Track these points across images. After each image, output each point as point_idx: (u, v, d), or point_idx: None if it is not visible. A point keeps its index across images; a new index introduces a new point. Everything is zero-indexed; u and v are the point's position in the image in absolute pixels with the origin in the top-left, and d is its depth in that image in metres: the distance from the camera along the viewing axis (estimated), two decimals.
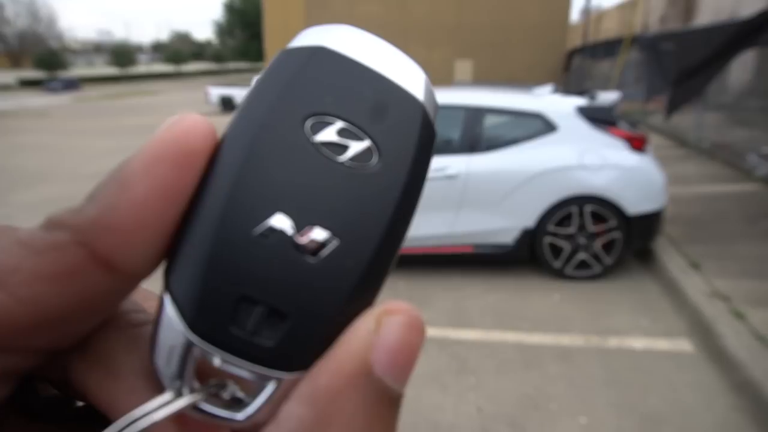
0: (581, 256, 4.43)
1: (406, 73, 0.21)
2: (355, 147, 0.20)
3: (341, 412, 0.17)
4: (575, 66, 22.35)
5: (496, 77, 23.96)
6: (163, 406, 0.18)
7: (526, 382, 3.13)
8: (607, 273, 4.47)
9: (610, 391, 3.00)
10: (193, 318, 0.18)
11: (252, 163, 0.19)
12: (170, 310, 0.19)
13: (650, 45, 8.52)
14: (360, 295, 0.20)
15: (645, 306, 4.02)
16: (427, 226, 4.50)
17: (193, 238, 0.19)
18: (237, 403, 0.19)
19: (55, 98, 34.16)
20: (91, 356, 0.20)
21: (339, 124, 0.20)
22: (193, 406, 0.19)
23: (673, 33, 8.49)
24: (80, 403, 0.23)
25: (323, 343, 0.19)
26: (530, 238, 4.46)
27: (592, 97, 4.84)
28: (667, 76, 7.32)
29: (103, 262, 0.18)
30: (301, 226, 0.19)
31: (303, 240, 0.19)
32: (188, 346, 0.18)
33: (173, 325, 0.18)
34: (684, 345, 3.46)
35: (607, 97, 4.79)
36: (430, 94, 0.22)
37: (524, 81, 16.99)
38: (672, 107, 7.36)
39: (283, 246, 0.18)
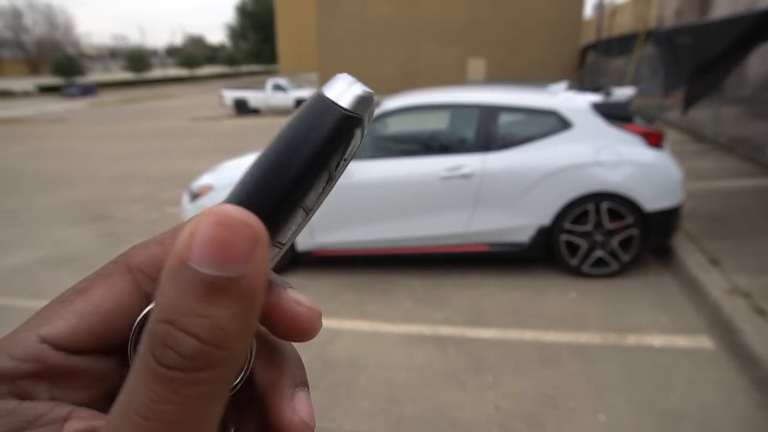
0: (598, 253, 4.41)
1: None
2: None
3: (167, 297, 0.21)
4: (589, 62, 22.15)
5: (509, 75, 23.82)
6: None
7: (544, 380, 3.13)
8: (624, 270, 4.45)
9: (629, 389, 2.99)
10: None
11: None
12: None
13: (666, 39, 8.42)
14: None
15: (663, 303, 3.99)
16: (442, 226, 4.52)
17: None
18: None
19: (73, 104, 34.69)
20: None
21: None
22: None
23: (689, 26, 8.38)
24: None
25: None
26: (546, 236, 4.45)
27: (608, 94, 4.81)
28: (683, 71, 7.23)
29: None
30: None
31: None
32: None
33: None
34: (704, 342, 3.44)
35: (623, 93, 4.75)
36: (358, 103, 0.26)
37: (538, 78, 16.88)
38: (689, 102, 7.27)
39: None
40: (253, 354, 0.27)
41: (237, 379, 0.26)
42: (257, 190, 0.25)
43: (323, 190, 0.27)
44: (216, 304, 0.20)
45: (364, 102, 0.26)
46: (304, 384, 0.28)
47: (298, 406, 0.27)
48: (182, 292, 0.20)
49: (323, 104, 0.25)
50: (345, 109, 0.25)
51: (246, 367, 0.27)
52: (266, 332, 0.28)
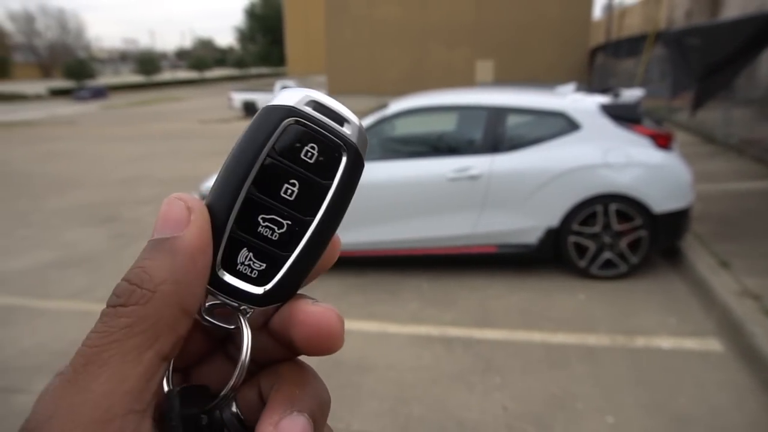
0: (606, 255, 4.39)
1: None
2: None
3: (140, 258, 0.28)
4: (598, 64, 22.06)
5: (517, 77, 23.76)
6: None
7: (551, 381, 3.12)
8: (633, 272, 4.43)
9: (638, 391, 2.98)
10: None
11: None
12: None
13: (675, 40, 8.37)
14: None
15: (672, 305, 3.97)
16: (450, 227, 4.52)
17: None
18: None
19: (84, 106, 35.01)
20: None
21: None
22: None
23: (700, 27, 8.33)
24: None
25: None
26: (554, 237, 4.44)
27: (616, 95, 4.80)
28: (692, 72, 7.19)
29: None
30: None
31: None
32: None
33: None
34: (713, 344, 3.41)
35: (631, 94, 4.74)
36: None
37: (546, 80, 16.83)
38: (698, 103, 7.22)
39: None
40: (241, 368, 0.29)
41: (225, 388, 0.30)
42: (214, 182, 0.30)
43: (273, 176, 0.30)
44: (149, 257, 0.27)
45: (292, 95, 0.30)
46: (305, 411, 0.28)
47: (280, 429, 0.27)
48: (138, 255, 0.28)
49: (263, 108, 0.31)
50: (270, 105, 0.30)
51: (238, 376, 0.29)
52: (283, 354, 0.31)
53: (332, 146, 0.30)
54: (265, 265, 0.30)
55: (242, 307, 0.30)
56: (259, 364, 0.32)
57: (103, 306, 0.27)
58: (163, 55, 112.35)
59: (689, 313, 3.84)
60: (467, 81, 24.71)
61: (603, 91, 5.18)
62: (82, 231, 6.66)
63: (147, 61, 67.14)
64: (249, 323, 0.30)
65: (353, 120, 0.31)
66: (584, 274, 4.47)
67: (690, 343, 3.45)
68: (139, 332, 0.25)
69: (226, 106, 24.21)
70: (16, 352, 3.73)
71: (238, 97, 23.45)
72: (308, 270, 0.31)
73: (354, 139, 0.31)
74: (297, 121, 0.30)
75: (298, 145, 0.30)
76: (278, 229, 0.30)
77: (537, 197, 4.39)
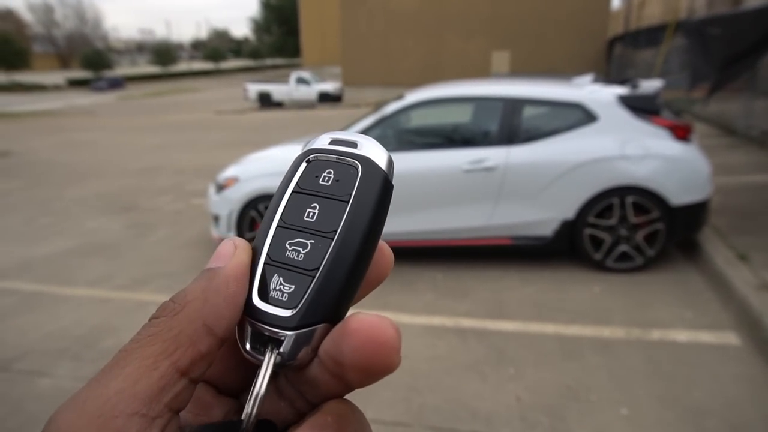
0: (622, 247, 4.37)
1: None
2: None
3: None
4: (616, 54, 21.73)
5: (534, 68, 23.52)
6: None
7: (565, 373, 3.13)
8: (649, 265, 4.40)
9: (653, 383, 2.97)
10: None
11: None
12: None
13: (696, 30, 8.22)
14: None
15: (689, 298, 3.94)
16: (465, 219, 4.52)
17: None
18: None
19: (101, 97, 35.39)
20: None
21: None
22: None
23: (721, 16, 8.17)
24: None
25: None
26: (570, 229, 4.42)
27: (634, 86, 4.74)
28: (713, 63, 7.06)
29: None
30: None
31: None
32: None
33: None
34: (730, 338, 3.39)
35: (650, 85, 4.68)
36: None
37: (564, 71, 16.65)
38: (713, 92, 7.12)
39: None
40: (254, 399, 0.29)
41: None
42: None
43: (297, 204, 0.33)
44: (192, 281, 0.31)
45: (315, 140, 0.35)
46: None
47: None
48: None
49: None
50: (304, 150, 0.35)
51: (251, 406, 0.29)
52: (335, 386, 0.31)
53: (346, 165, 0.33)
54: (293, 286, 0.31)
55: (278, 333, 0.30)
56: (310, 402, 0.32)
57: (123, 293, 0.30)
58: (179, 46, 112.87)
59: (706, 307, 3.81)
60: (483, 72, 24.51)
61: (621, 82, 5.12)
62: (102, 220, 6.77)
63: (163, 52, 67.59)
64: (300, 354, 0.30)
65: (365, 139, 0.34)
66: (600, 266, 4.45)
67: (706, 337, 3.42)
68: (161, 341, 0.28)
69: (242, 97, 24.33)
70: (39, 336, 3.83)
71: (254, 88, 23.54)
72: (343, 285, 0.30)
73: (366, 154, 0.33)
74: (315, 157, 0.34)
75: (316, 175, 0.33)
76: (303, 250, 0.31)
77: (553, 189, 4.37)
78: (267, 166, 5.00)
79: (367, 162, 0.33)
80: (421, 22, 27.89)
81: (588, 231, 4.40)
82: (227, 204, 4.87)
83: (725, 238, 4.63)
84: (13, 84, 47.09)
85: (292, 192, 0.33)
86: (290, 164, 0.34)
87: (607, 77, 7.72)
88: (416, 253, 4.82)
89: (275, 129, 14.73)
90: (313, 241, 0.31)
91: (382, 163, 0.33)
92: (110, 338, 3.73)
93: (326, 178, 0.33)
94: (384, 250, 0.33)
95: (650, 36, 14.56)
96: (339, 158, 0.33)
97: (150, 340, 0.28)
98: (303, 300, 0.30)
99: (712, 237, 4.67)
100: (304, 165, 0.34)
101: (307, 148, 0.35)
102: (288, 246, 0.32)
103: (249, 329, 0.31)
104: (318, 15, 56.62)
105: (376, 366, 0.28)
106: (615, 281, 4.30)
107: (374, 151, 0.33)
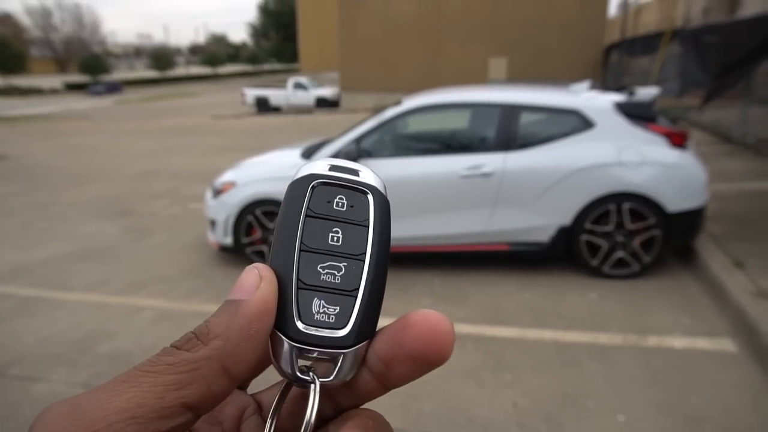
0: (619, 254, 4.38)
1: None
2: None
3: None
4: (613, 62, 21.84)
5: (531, 75, 23.61)
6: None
7: (562, 379, 3.13)
8: (645, 271, 4.41)
9: (650, 390, 2.97)
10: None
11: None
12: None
13: (692, 38, 8.28)
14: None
15: (685, 305, 3.95)
16: (462, 224, 4.53)
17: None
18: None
19: (99, 101, 35.37)
20: None
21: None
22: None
23: (718, 25, 8.23)
24: None
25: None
26: (567, 236, 4.43)
27: (631, 93, 4.77)
28: (707, 69, 7.11)
29: None
30: None
31: None
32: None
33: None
34: (726, 344, 3.39)
35: (646, 92, 4.70)
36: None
37: (561, 78, 16.71)
38: (709, 99, 7.16)
39: None
40: (305, 427, 0.31)
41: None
42: (272, 249, 0.34)
43: (316, 229, 0.34)
44: (216, 314, 0.30)
45: (311, 165, 0.36)
46: None
47: None
48: None
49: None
50: (296, 178, 0.36)
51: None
52: (373, 388, 0.33)
53: (357, 192, 0.35)
54: (338, 307, 0.32)
55: (334, 354, 0.32)
56: (339, 405, 0.34)
57: (119, 297, 0.30)
58: (177, 51, 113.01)
59: (702, 313, 3.81)
60: (481, 78, 24.59)
61: (618, 89, 5.15)
62: (99, 224, 6.75)
63: (161, 57, 67.63)
64: (355, 369, 0.33)
65: (365, 169, 0.36)
66: (596, 272, 4.46)
67: (703, 343, 3.43)
68: (176, 373, 0.28)
69: (239, 102, 24.36)
70: (34, 341, 3.81)
71: (251, 93, 23.58)
72: (380, 297, 0.34)
73: (372, 182, 0.36)
74: (321, 183, 0.35)
75: (328, 200, 0.35)
76: (338, 272, 0.33)
77: (550, 195, 4.38)
78: (264, 170, 5.00)
79: (374, 190, 0.35)
80: (419, 28, 28.00)
81: (585, 237, 4.41)
82: (224, 209, 4.86)
83: (721, 244, 4.65)
84: (10, 88, 47.05)
85: (307, 216, 0.34)
86: (290, 187, 0.35)
87: (603, 84, 7.76)
88: (413, 259, 4.82)
89: (272, 134, 14.74)
90: (346, 264, 0.33)
91: (383, 189, 0.36)
92: (106, 343, 3.71)
93: (339, 204, 0.35)
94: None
95: (647, 44, 14.65)
96: (347, 185, 0.35)
97: (166, 369, 0.28)
98: (352, 319, 0.32)
99: (708, 244, 4.69)
100: (311, 189, 0.35)
101: (306, 172, 0.35)
102: (321, 270, 0.33)
103: (295, 356, 0.32)
104: (316, 20, 56.78)
105: (434, 354, 0.31)
106: (612, 287, 4.31)
107: (374, 178, 0.36)
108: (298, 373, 0.32)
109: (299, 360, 0.32)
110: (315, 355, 0.32)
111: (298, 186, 0.35)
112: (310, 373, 0.32)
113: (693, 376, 3.09)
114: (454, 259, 4.81)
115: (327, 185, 0.35)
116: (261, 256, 4.88)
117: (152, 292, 4.57)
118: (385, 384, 0.33)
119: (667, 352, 3.36)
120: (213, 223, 4.99)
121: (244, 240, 4.86)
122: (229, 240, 4.90)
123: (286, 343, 0.32)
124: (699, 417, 2.74)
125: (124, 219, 6.95)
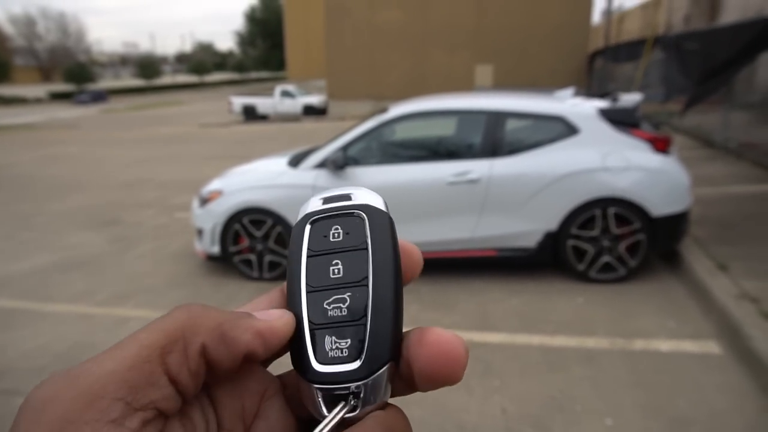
0: (605, 258, 4.42)
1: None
2: None
3: None
4: (597, 68, 22.09)
5: (517, 81, 23.81)
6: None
7: (550, 384, 3.14)
8: (631, 275, 4.45)
9: (637, 393, 3.00)
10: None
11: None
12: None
13: (674, 45, 8.41)
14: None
15: (671, 308, 3.99)
16: (449, 231, 4.54)
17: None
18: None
19: (84, 110, 35.05)
20: None
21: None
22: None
23: (699, 32, 8.37)
24: None
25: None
26: (553, 241, 4.46)
27: (615, 99, 4.83)
28: (689, 75, 7.22)
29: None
30: None
31: None
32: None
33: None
34: (712, 347, 3.43)
35: (630, 98, 4.77)
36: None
37: (546, 84, 16.88)
38: (689, 105, 7.28)
39: None
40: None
41: None
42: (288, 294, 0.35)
43: (317, 266, 0.34)
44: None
45: (302, 215, 0.36)
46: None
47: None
48: None
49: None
50: (297, 221, 0.36)
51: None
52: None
53: (351, 216, 0.35)
54: (349, 339, 0.32)
55: (350, 388, 0.31)
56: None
57: (104, 308, 0.30)
58: (163, 59, 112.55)
59: (688, 316, 3.86)
60: (467, 85, 24.75)
61: (602, 95, 5.22)
62: (84, 234, 6.68)
63: (147, 65, 67.27)
64: (380, 396, 0.32)
65: (358, 190, 0.36)
66: (583, 277, 4.49)
67: (689, 346, 3.46)
68: (163, 336, 0.29)
69: (226, 110, 24.26)
70: (18, 354, 3.75)
71: (238, 102, 23.50)
72: (393, 320, 0.32)
73: (366, 201, 0.35)
74: (316, 219, 0.35)
75: (324, 234, 0.35)
76: (344, 304, 0.32)
77: (536, 201, 4.42)
78: (251, 179, 4.98)
79: (368, 208, 0.35)
80: (405, 36, 28.16)
81: (571, 242, 4.44)
82: (211, 218, 4.84)
83: (706, 248, 4.71)
84: None
85: (307, 257, 0.34)
86: (292, 233, 0.35)
87: (588, 91, 7.85)
88: None
89: (260, 142, 14.71)
90: (350, 293, 0.33)
91: (381, 205, 0.35)
92: (91, 355, 3.66)
93: (336, 234, 0.34)
94: (413, 254, 0.35)
95: (630, 50, 14.85)
96: (339, 213, 0.35)
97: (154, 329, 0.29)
98: (365, 346, 0.32)
99: (692, 247, 4.75)
100: (308, 229, 0.35)
101: (303, 214, 0.36)
102: (327, 306, 0.33)
103: (319, 397, 0.32)
104: (303, 29, 56.88)
105: (441, 377, 0.31)
106: (598, 292, 4.34)
107: (369, 196, 0.36)
108: (325, 412, 0.31)
109: (328, 399, 0.32)
110: (339, 393, 0.31)
111: (297, 229, 0.35)
112: (340, 406, 0.31)
113: (679, 379, 3.12)
114: (442, 266, 4.83)
115: (321, 219, 0.35)
116: (248, 265, 4.85)
117: (138, 303, 4.53)
118: (414, 386, 0.33)
119: (654, 356, 3.39)
120: (200, 232, 4.96)
121: (232, 249, 4.84)
122: (216, 249, 4.87)
123: (307, 386, 0.32)
124: (685, 419, 2.77)
125: (109, 229, 6.88)
